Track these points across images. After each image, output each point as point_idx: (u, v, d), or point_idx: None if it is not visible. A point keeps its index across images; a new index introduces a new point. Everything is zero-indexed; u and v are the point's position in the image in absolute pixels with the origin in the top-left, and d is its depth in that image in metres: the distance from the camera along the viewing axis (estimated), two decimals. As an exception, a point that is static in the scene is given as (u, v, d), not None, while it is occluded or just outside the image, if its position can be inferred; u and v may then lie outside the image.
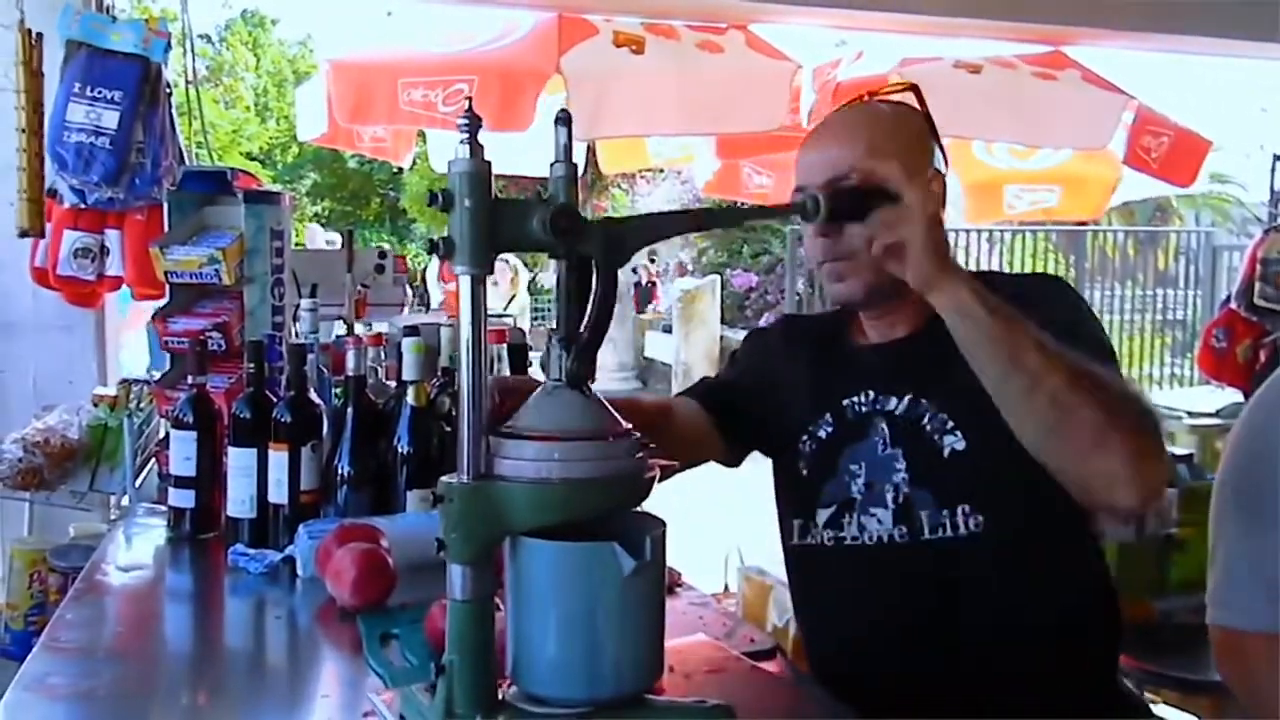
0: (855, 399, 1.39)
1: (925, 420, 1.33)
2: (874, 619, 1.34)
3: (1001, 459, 1.22)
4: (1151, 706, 2.64)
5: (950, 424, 1.31)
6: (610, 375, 11.35)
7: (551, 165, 1.02)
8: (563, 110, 1.04)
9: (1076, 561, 1.36)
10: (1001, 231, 8.61)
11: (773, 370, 1.51)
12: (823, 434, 1.41)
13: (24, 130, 2.62)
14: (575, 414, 0.99)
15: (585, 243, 1.00)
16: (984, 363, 1.15)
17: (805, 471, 1.42)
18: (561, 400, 1.00)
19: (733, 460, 1.51)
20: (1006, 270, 8.92)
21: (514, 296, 9.96)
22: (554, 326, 1.03)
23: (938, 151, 1.39)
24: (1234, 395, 4.06)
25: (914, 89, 1.42)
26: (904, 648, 1.30)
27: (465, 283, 0.98)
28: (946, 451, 1.31)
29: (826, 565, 1.39)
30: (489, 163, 0.98)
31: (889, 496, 1.33)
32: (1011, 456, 1.20)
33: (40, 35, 2.67)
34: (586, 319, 1.01)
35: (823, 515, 1.38)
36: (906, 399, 1.35)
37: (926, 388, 1.34)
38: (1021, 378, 1.13)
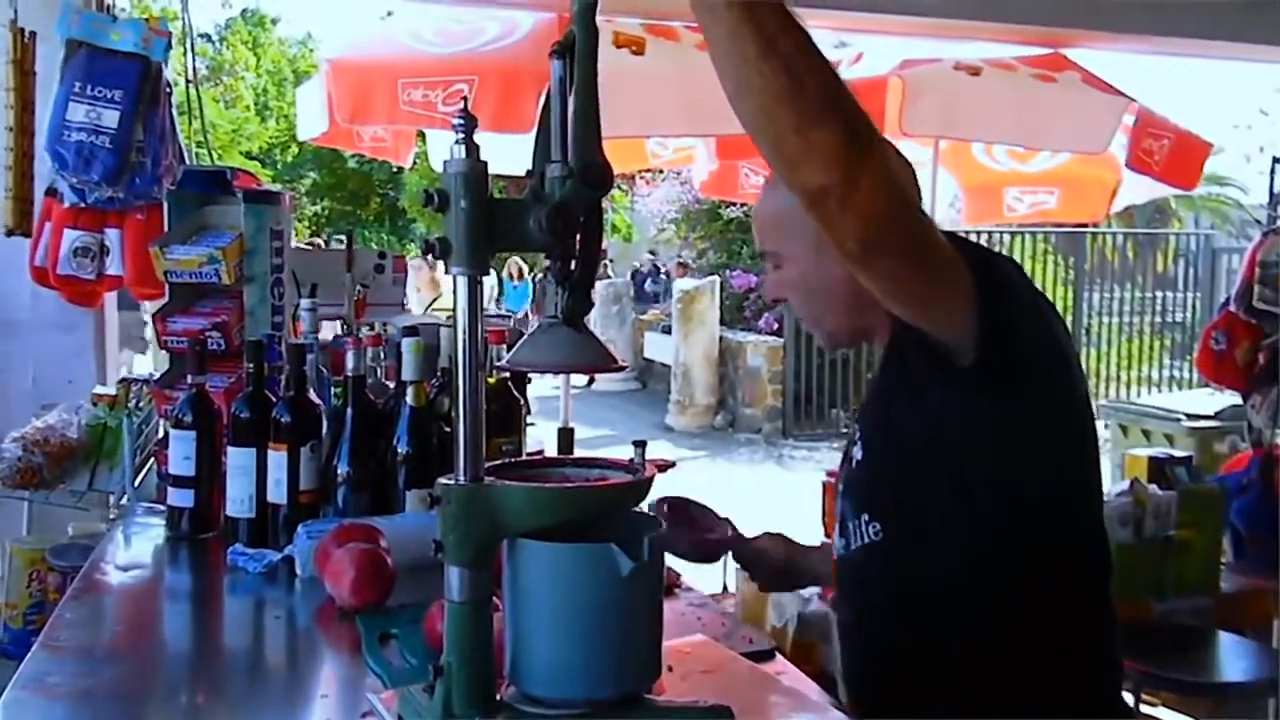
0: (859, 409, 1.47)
1: (851, 430, 1.38)
2: (839, 631, 1.39)
3: (887, 469, 1.26)
4: (1150, 708, 2.64)
5: (858, 433, 1.35)
6: (609, 376, 11.33)
7: (548, 165, 1.02)
8: (556, 44, 1.02)
9: (1006, 568, 1.23)
10: (1001, 233, 8.61)
11: None
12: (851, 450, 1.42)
13: (12, 129, 2.62)
14: (571, 350, 1.00)
15: (568, 195, 0.99)
16: (726, 36, 1.02)
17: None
18: (558, 336, 1.01)
19: None
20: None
21: (437, 298, 9.29)
22: (547, 264, 1.03)
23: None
24: (1233, 398, 4.07)
25: None
26: (854, 659, 1.35)
27: (462, 284, 0.98)
28: (854, 462, 1.34)
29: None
30: (485, 163, 0.98)
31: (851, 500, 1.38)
32: (898, 466, 1.24)
33: (34, 34, 2.67)
34: (576, 254, 1.01)
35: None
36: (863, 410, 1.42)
37: (867, 396, 1.41)
38: (756, 42, 0.99)
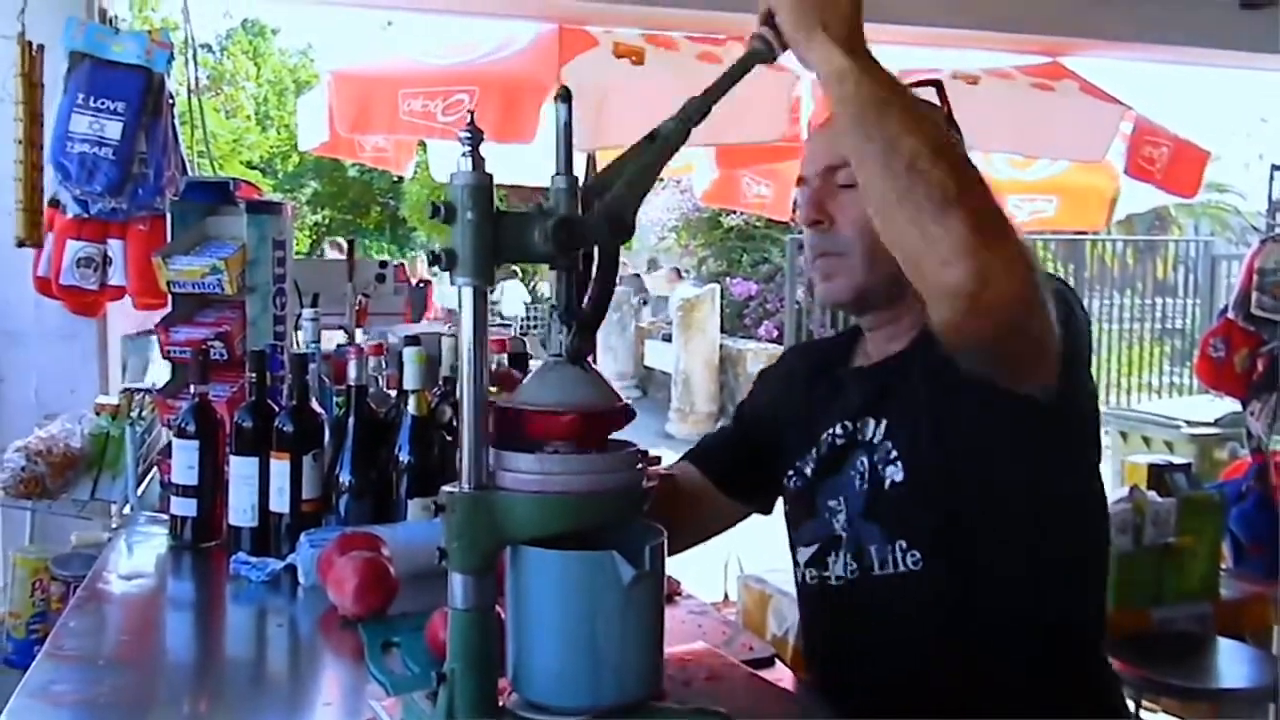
0: (833, 430, 1.31)
1: (879, 447, 1.25)
2: (847, 660, 1.30)
3: (937, 491, 1.18)
4: (1151, 715, 2.65)
5: (893, 453, 1.23)
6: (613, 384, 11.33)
7: (553, 178, 1.03)
8: (563, 87, 1.04)
9: (1036, 598, 1.23)
10: (1001, 240, 8.60)
11: (776, 410, 1.45)
12: (809, 470, 1.35)
13: (21, 141, 2.63)
14: (575, 389, 1.00)
15: (588, 233, 1.00)
16: (850, 129, 1.05)
17: (788, 509, 1.39)
18: (562, 375, 1.01)
19: (763, 508, 1.48)
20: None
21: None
22: (554, 302, 1.03)
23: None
24: (1233, 404, 4.07)
25: (937, 85, 1.33)
26: (878, 684, 1.25)
27: (467, 294, 0.99)
28: (888, 483, 1.23)
29: (814, 605, 1.36)
30: (491, 175, 0.99)
31: (860, 530, 1.27)
32: (946, 491, 1.17)
33: (41, 47, 2.69)
34: (588, 296, 1.01)
35: (804, 554, 1.33)
36: (883, 423, 1.26)
37: (893, 411, 1.25)
38: (882, 141, 1.02)
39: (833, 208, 1.27)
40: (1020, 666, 1.22)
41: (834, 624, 1.33)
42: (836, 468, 1.30)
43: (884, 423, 1.26)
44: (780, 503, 1.43)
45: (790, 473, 1.38)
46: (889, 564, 1.23)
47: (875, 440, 1.26)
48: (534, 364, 1.91)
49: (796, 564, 1.36)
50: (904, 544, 1.22)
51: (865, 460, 1.26)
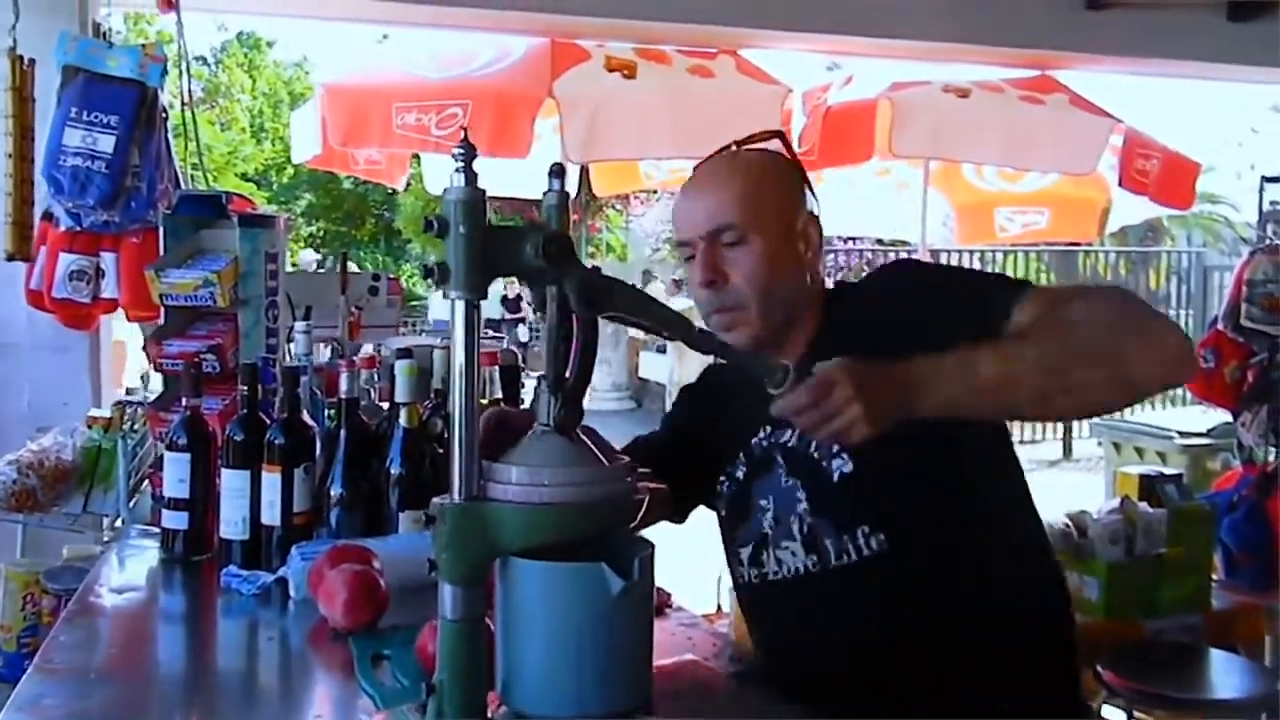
0: (759, 436, 1.41)
1: (814, 447, 1.33)
2: (810, 650, 1.33)
3: (892, 475, 1.26)
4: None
5: (835, 447, 1.30)
6: (604, 396, 11.34)
7: (544, 194, 1.04)
8: (556, 164, 1.06)
9: (1007, 565, 1.32)
10: (994, 252, 8.66)
11: (699, 423, 1.54)
12: (739, 474, 1.43)
13: (11, 155, 2.64)
14: (563, 460, 1.01)
15: (568, 279, 1.02)
16: (994, 413, 1.22)
17: (724, 513, 1.46)
18: (550, 446, 1.02)
19: (677, 518, 1.52)
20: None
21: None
22: (543, 371, 1.04)
23: (810, 196, 1.42)
24: (1226, 415, 4.08)
25: (780, 135, 1.46)
26: (845, 670, 1.29)
27: (459, 307, 1.00)
28: (835, 476, 1.31)
29: (760, 602, 1.42)
30: (483, 190, 1.00)
31: (795, 528, 1.34)
32: (902, 471, 1.24)
33: (33, 61, 2.69)
34: (570, 366, 1.03)
35: (744, 554, 1.41)
36: (792, 430, 1.34)
37: None
38: (1031, 396, 1.15)
39: (725, 266, 1.36)
40: (986, 649, 1.26)
41: (782, 618, 1.38)
42: (766, 470, 1.39)
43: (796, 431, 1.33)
44: (717, 510, 1.50)
45: (723, 479, 1.45)
46: (849, 552, 1.29)
47: (794, 443, 1.35)
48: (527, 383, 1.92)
49: (738, 564, 1.43)
50: (866, 529, 1.28)
51: (784, 460, 1.36)
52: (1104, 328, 1.16)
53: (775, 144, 1.45)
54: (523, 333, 11.86)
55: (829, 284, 1.47)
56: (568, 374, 1.03)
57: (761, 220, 1.35)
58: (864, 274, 1.66)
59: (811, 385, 1.09)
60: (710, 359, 1.34)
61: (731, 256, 1.36)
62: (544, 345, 1.05)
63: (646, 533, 1.12)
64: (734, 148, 1.44)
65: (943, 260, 8.36)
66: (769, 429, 1.39)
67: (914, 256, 1.57)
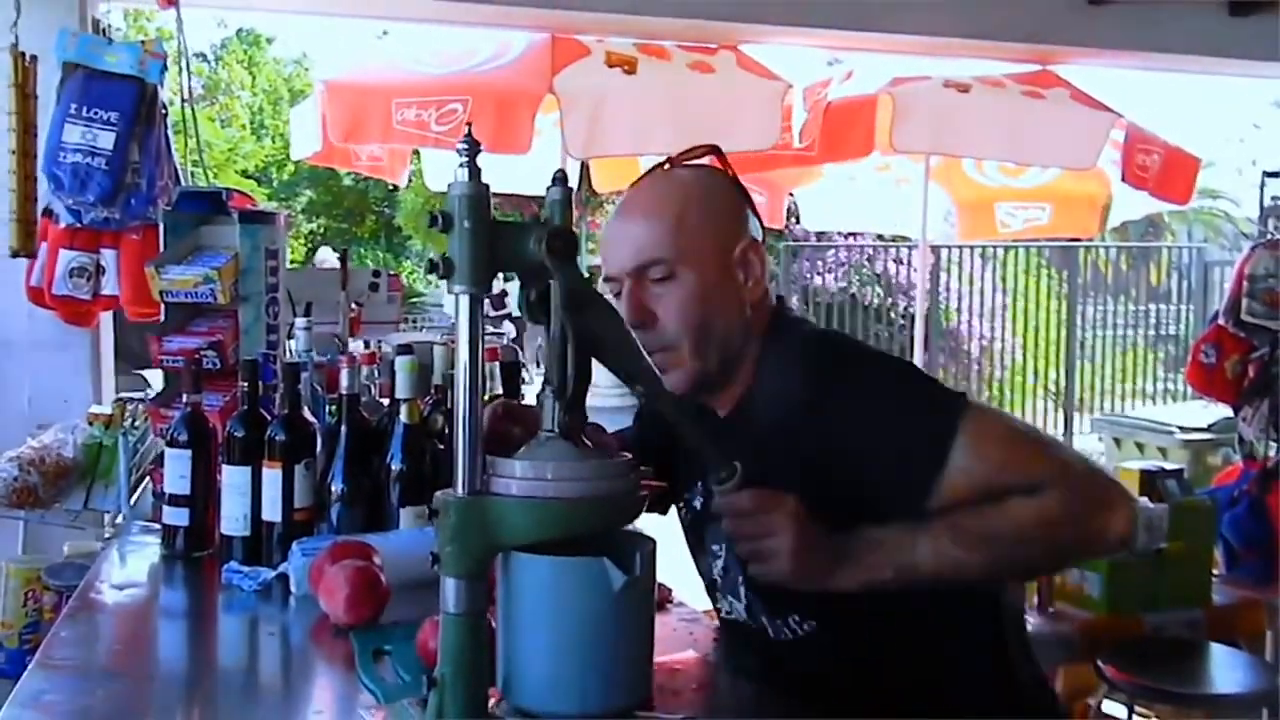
0: (714, 476, 1.24)
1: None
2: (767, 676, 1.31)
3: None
4: (1143, 721, 2.64)
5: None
6: (607, 393, 11.31)
7: (548, 189, 1.04)
8: (559, 171, 1.05)
9: (943, 639, 1.26)
10: (995, 248, 8.65)
11: (665, 431, 1.36)
12: (696, 504, 1.38)
13: (15, 151, 2.64)
14: (566, 455, 1.01)
15: (559, 278, 1.00)
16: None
17: (686, 535, 1.43)
18: (554, 451, 1.02)
19: (659, 508, 1.46)
20: (1000, 285, 8.97)
21: None
22: (547, 378, 1.04)
23: (751, 217, 1.32)
24: (1227, 410, 4.08)
25: (715, 150, 1.33)
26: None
27: (464, 302, 1.00)
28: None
29: (722, 626, 1.41)
30: (487, 185, 1.00)
31: (740, 589, 1.31)
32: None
33: (35, 58, 2.69)
34: (567, 373, 1.02)
35: (704, 581, 1.40)
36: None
37: (751, 470, 1.15)
38: (957, 582, 1.15)
39: (653, 305, 1.27)
40: (920, 683, 1.24)
41: (736, 649, 1.35)
42: (717, 516, 1.24)
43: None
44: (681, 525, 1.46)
45: (680, 503, 1.42)
46: (784, 633, 1.27)
47: None
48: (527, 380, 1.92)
49: (704, 584, 1.41)
50: (796, 617, 1.26)
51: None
52: (1045, 543, 1.14)
53: (712, 159, 1.33)
54: (508, 328, 11.84)
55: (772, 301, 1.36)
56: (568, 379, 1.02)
57: (692, 252, 1.25)
58: (805, 322, 1.51)
59: (761, 495, 1.08)
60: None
61: (659, 293, 1.26)
62: (548, 350, 1.04)
63: (648, 529, 1.12)
64: (667, 166, 1.33)
65: (943, 259, 8.36)
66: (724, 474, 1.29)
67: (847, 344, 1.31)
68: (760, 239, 1.32)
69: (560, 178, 1.05)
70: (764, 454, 1.15)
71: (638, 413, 1.58)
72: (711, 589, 1.39)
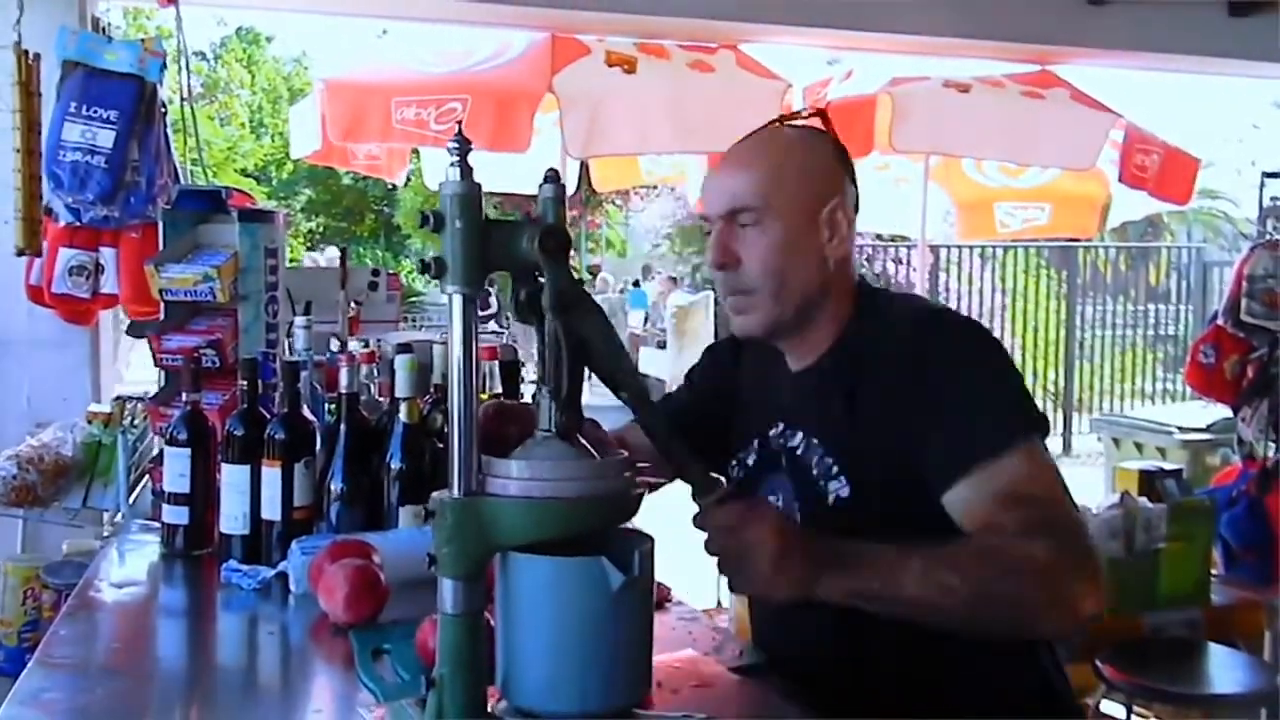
0: (774, 430, 1.37)
1: (814, 464, 1.30)
2: (800, 640, 1.31)
3: (886, 507, 1.22)
4: (1141, 721, 2.64)
5: (835, 469, 1.27)
6: (605, 391, 11.32)
7: (540, 186, 1.04)
8: (551, 170, 1.05)
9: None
10: (994, 248, 8.66)
11: (723, 389, 1.51)
12: (750, 461, 1.41)
13: (19, 150, 2.63)
14: (563, 455, 1.01)
15: (549, 277, 1.01)
16: (888, 615, 1.14)
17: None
18: (551, 450, 1.02)
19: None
20: (999, 285, 8.98)
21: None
22: (542, 377, 1.04)
23: (848, 182, 1.36)
24: (1225, 410, 4.09)
25: (822, 114, 1.38)
26: (829, 659, 1.28)
27: (457, 301, 0.99)
28: (831, 498, 1.27)
29: None
30: (479, 184, 1.00)
31: None
32: (895, 504, 1.20)
33: (38, 56, 2.69)
34: (562, 373, 1.02)
35: None
36: (800, 436, 1.33)
37: (821, 426, 1.30)
38: (933, 620, 1.13)
39: (738, 248, 1.31)
40: (962, 653, 1.23)
41: (778, 609, 1.34)
42: (775, 465, 1.36)
43: (809, 436, 1.32)
44: None
45: (734, 462, 1.43)
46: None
47: (801, 451, 1.32)
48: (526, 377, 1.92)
49: None
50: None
51: (798, 470, 1.32)
52: (1033, 583, 1.12)
53: (818, 121, 1.37)
54: (494, 328, 11.78)
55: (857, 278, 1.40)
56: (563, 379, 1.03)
57: (782, 203, 1.29)
58: (898, 291, 1.52)
59: (743, 510, 1.09)
60: (731, 323, 1.34)
61: (746, 238, 1.30)
62: (546, 351, 1.04)
63: (645, 528, 1.12)
64: (777, 123, 1.38)
65: (942, 259, 8.36)
66: (782, 425, 1.36)
67: (962, 319, 1.38)
68: (854, 203, 1.36)
69: (552, 175, 1.05)
70: (852, 399, 1.23)
71: (688, 374, 1.60)
72: None
